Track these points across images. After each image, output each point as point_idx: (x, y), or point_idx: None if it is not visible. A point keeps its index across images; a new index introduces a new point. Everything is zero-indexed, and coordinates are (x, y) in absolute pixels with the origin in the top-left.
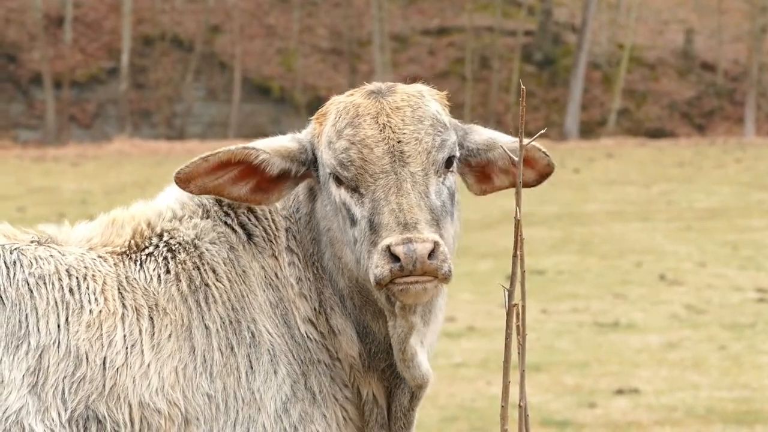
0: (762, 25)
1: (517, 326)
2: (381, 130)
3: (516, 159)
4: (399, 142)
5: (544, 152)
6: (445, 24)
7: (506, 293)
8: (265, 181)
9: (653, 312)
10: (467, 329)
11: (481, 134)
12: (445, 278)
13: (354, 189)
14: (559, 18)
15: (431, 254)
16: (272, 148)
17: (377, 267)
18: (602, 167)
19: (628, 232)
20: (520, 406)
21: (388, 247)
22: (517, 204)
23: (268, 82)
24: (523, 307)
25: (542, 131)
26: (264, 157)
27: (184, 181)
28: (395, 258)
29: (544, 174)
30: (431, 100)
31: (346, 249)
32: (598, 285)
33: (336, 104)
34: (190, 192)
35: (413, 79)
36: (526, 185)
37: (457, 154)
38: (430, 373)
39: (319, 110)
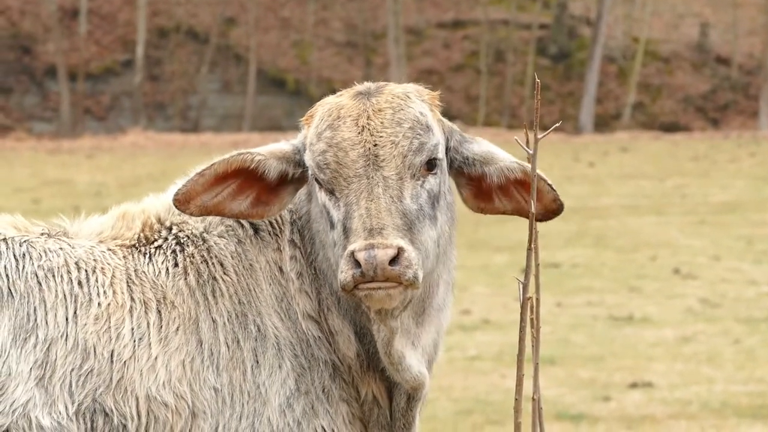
0: None
1: (532, 319)
2: (359, 133)
3: (530, 151)
4: (375, 145)
5: (550, 185)
6: (460, 17)
7: (521, 286)
8: (265, 191)
9: (668, 306)
10: (482, 322)
11: (481, 146)
12: (410, 284)
13: (331, 192)
14: (574, 11)
15: (394, 260)
16: (267, 150)
17: (342, 272)
18: (617, 161)
19: (643, 225)
20: (533, 399)
21: (352, 253)
22: (532, 197)
23: (283, 75)
24: (537, 300)
25: (557, 124)
26: (260, 158)
27: (183, 202)
28: (358, 264)
29: (550, 210)
30: (417, 101)
31: (329, 251)
32: (612, 279)
33: (322, 105)
34: (191, 214)
35: (428, 73)
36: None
37: (441, 156)
38: (423, 374)
39: (309, 111)
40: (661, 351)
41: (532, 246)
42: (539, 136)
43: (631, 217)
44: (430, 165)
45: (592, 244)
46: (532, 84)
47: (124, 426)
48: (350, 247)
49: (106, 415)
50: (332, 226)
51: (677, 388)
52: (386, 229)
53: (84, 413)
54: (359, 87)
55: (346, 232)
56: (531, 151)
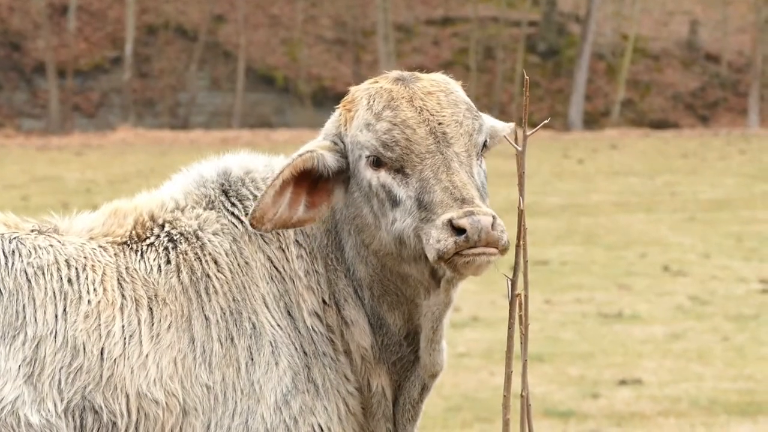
0: (767, 17)
1: (520, 316)
2: (419, 113)
3: (519, 148)
4: (440, 123)
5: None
6: (449, 14)
7: (509, 283)
8: (311, 193)
9: (657, 303)
10: (471, 319)
11: (487, 121)
12: (505, 249)
13: (398, 170)
14: (563, 8)
15: (492, 226)
16: (318, 145)
17: (439, 242)
18: (606, 158)
19: (633, 223)
20: (522, 397)
21: (450, 221)
22: (521, 194)
23: (273, 72)
24: (526, 297)
25: (546, 121)
26: (318, 154)
27: (260, 219)
28: (458, 231)
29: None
30: (458, 87)
31: (379, 233)
32: (602, 276)
33: (364, 90)
34: (266, 231)
35: (418, 70)
36: None
37: (488, 139)
38: (445, 360)
39: (345, 99)
40: (650, 348)
41: (521, 243)
42: (528, 133)
43: (620, 215)
44: (484, 146)
45: (582, 241)
46: (521, 81)
47: (114, 423)
48: (445, 216)
49: (96, 412)
50: (395, 203)
51: (666, 385)
52: (476, 200)
53: (73, 411)
54: (393, 74)
55: (424, 205)
56: (520, 148)
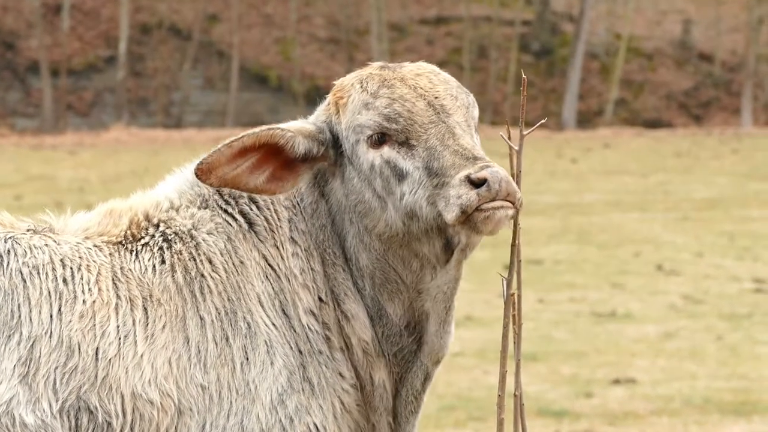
0: (759, 16)
1: (514, 316)
2: (414, 90)
3: (515, 147)
4: (436, 97)
5: None
6: (443, 13)
7: (504, 282)
8: (281, 167)
9: (650, 302)
10: (465, 318)
11: None
12: (519, 206)
13: (402, 143)
14: (556, 8)
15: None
16: (295, 127)
17: (460, 197)
18: (600, 157)
19: (626, 222)
20: (515, 396)
21: (467, 177)
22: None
23: (266, 71)
24: (519, 296)
25: (542, 121)
26: (290, 135)
27: (206, 172)
28: (477, 184)
29: None
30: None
31: (385, 214)
32: (595, 275)
33: (353, 78)
34: (210, 185)
35: None
36: None
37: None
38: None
39: (334, 89)
40: (643, 347)
41: (516, 242)
42: (524, 133)
43: (613, 214)
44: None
45: (575, 240)
46: (515, 80)
47: (109, 424)
48: (462, 173)
49: (91, 412)
50: (402, 177)
51: (660, 384)
52: (487, 157)
53: (68, 411)
54: (377, 64)
55: (435, 172)
56: (516, 148)
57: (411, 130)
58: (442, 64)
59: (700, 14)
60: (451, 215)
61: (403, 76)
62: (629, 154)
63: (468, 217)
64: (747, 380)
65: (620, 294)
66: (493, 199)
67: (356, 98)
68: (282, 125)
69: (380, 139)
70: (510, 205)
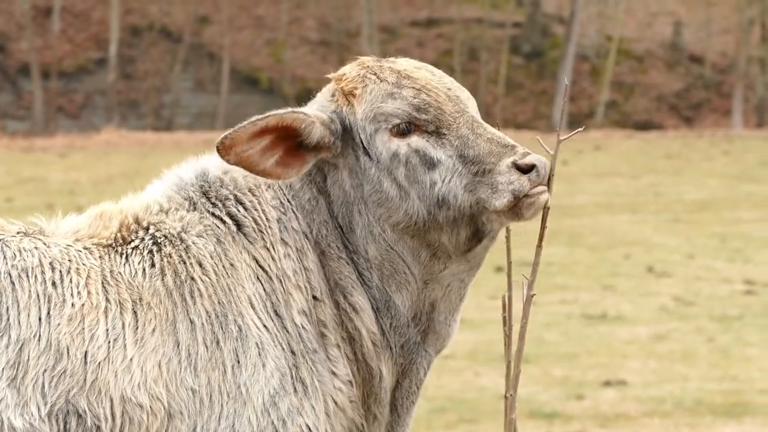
0: (750, 18)
1: (504, 317)
2: (431, 81)
3: (551, 152)
4: (449, 89)
5: None
6: (433, 15)
7: (525, 283)
8: (288, 153)
9: (642, 304)
10: None
11: None
12: (549, 192)
13: (431, 132)
14: (547, 10)
15: None
16: (314, 114)
17: (512, 183)
18: (591, 159)
19: (617, 224)
20: (506, 398)
21: (514, 163)
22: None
23: (257, 74)
24: (510, 297)
25: (579, 129)
26: (310, 120)
27: (227, 147)
28: (525, 170)
29: None
30: None
31: (406, 203)
32: (587, 277)
33: (360, 68)
34: (227, 161)
35: None
36: None
37: None
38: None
39: (339, 81)
40: (635, 349)
41: (541, 244)
42: (561, 138)
43: (605, 216)
44: None
45: (567, 242)
46: (505, 82)
47: (98, 427)
48: (507, 160)
49: (80, 416)
50: (432, 165)
51: (651, 386)
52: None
53: (57, 414)
54: (368, 58)
55: (471, 160)
56: (552, 152)
57: (441, 119)
58: (433, 66)
59: (691, 16)
60: (501, 201)
61: (406, 67)
62: (620, 156)
63: (517, 203)
64: (738, 382)
65: (611, 296)
66: (539, 184)
67: (376, 89)
68: (304, 109)
69: (407, 128)
70: (546, 189)
